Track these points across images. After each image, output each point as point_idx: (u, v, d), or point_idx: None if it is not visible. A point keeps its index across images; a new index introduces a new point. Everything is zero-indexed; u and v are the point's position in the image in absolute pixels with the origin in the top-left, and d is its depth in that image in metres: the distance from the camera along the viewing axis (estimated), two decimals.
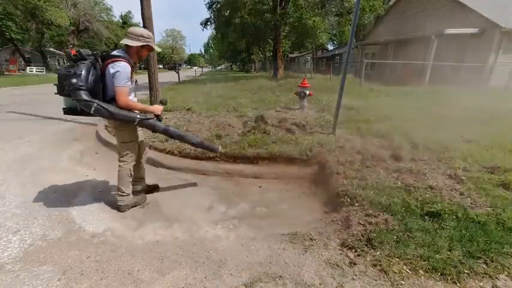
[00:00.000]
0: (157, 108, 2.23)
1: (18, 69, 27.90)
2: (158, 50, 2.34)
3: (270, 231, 2.12)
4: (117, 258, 1.79)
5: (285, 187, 2.94)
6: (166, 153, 3.65)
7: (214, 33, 24.04)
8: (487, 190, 2.34)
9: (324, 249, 1.84)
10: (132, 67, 2.04)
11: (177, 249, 1.88)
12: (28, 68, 28.74)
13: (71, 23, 27.85)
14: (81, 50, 1.94)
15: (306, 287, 1.53)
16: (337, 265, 1.66)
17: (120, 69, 1.93)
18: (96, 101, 1.89)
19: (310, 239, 1.96)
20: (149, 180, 3.09)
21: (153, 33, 5.18)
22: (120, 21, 44.61)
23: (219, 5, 16.34)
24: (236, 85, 10.92)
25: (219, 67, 71.41)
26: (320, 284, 1.53)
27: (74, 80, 1.82)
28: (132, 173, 2.35)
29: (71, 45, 30.17)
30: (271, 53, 19.40)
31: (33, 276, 1.62)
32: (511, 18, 10.03)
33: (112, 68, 1.92)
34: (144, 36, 2.06)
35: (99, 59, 1.97)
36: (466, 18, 10.93)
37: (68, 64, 1.96)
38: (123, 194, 2.33)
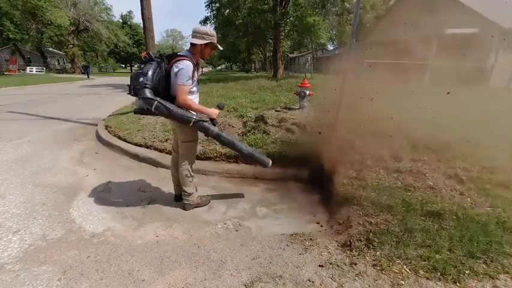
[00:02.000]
0: (213, 112, 2.21)
1: (18, 69, 27.90)
2: (221, 48, 2.29)
3: (270, 231, 2.12)
4: (117, 258, 1.79)
5: (285, 187, 2.93)
6: (167, 153, 3.65)
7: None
8: (487, 190, 2.34)
9: (324, 249, 1.84)
10: (195, 66, 2.05)
11: (177, 249, 1.88)
12: (28, 67, 28.76)
13: (70, 23, 27.83)
14: (150, 52, 2.06)
15: (305, 287, 1.53)
16: (337, 265, 1.66)
17: (183, 67, 1.95)
18: (158, 98, 1.92)
19: (310, 239, 1.96)
20: (151, 179, 3.09)
21: (153, 33, 5.19)
22: (120, 21, 44.60)
23: (218, 4, 16.32)
24: (236, 85, 10.91)
25: (219, 67, 71.41)
26: (320, 284, 1.53)
27: (141, 79, 1.91)
28: (192, 174, 2.34)
29: (71, 45, 30.19)
30: (271, 53, 19.39)
31: (33, 276, 1.62)
32: (511, 18, 10.04)
33: (176, 67, 1.96)
34: (208, 34, 2.07)
35: (165, 59, 2.05)
36: (466, 18, 10.94)
37: (140, 66, 2.06)
38: (185, 193, 2.36)
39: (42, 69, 29.94)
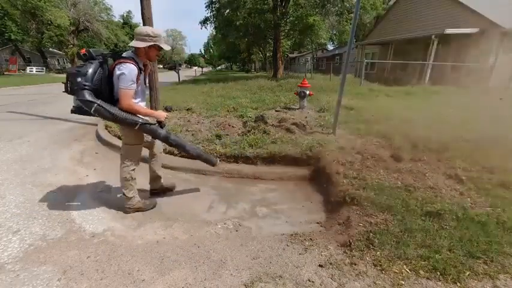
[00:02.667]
0: (161, 114, 2.16)
1: (18, 69, 27.90)
2: (167, 48, 2.17)
3: (270, 231, 2.12)
4: (117, 258, 1.79)
5: (285, 187, 2.94)
6: (167, 153, 3.64)
7: (214, 33, 24.04)
8: (487, 190, 2.34)
9: (324, 249, 1.84)
10: (140, 69, 2.00)
11: (177, 249, 1.88)
12: (28, 67, 28.76)
13: (70, 23, 27.82)
14: (91, 49, 1.95)
15: (305, 287, 1.53)
16: (337, 265, 1.66)
17: (125, 71, 1.88)
18: (98, 101, 1.87)
19: (310, 239, 1.96)
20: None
21: None
22: (121, 21, 44.56)
23: (218, 4, 16.30)
24: (236, 85, 10.91)
25: (219, 67, 71.41)
26: (320, 284, 1.53)
27: (79, 79, 1.82)
28: (133, 177, 2.27)
29: (71, 45, 30.17)
30: (271, 53, 19.39)
31: (33, 276, 1.62)
32: (511, 18, 10.03)
33: (118, 70, 1.90)
34: (150, 36, 1.98)
35: (109, 59, 1.97)
36: (466, 18, 10.93)
37: (80, 64, 1.95)
38: (125, 196, 2.29)
39: (42, 69, 29.93)
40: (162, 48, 2.11)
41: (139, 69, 2.00)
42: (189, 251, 1.87)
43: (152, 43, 2.00)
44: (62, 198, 2.58)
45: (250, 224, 2.22)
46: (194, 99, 7.34)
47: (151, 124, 2.10)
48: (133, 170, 2.26)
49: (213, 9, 16.79)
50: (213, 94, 8.43)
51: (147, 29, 2.01)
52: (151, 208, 2.44)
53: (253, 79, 13.68)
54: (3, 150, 3.90)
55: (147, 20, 5.07)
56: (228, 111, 5.57)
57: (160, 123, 2.18)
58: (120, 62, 1.91)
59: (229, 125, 4.38)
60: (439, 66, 11.83)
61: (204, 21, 17.86)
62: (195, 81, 17.21)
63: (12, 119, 5.98)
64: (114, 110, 1.92)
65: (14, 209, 2.35)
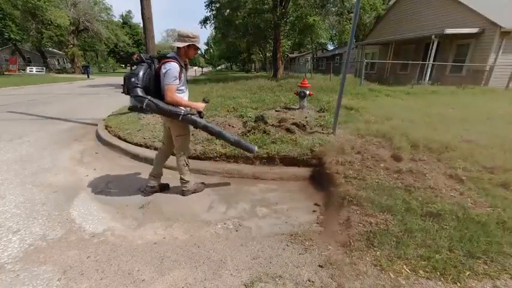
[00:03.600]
0: (200, 105, 2.41)
1: (18, 69, 27.91)
2: (203, 48, 2.44)
3: (270, 231, 2.12)
4: (117, 258, 1.79)
5: (285, 187, 2.93)
6: None
7: (214, 33, 24.03)
8: (487, 190, 2.34)
9: (324, 249, 1.84)
10: (181, 67, 2.24)
11: (177, 249, 1.88)
12: (28, 67, 28.77)
13: (70, 23, 27.83)
14: (141, 54, 2.26)
15: (305, 287, 1.53)
16: (337, 265, 1.66)
17: (170, 68, 2.13)
18: (149, 97, 2.12)
19: (310, 239, 1.96)
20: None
21: (153, 33, 5.19)
22: (120, 21, 44.59)
23: (218, 4, 16.31)
24: (236, 85, 10.91)
25: (219, 67, 71.39)
26: (320, 284, 1.53)
27: (133, 79, 2.11)
28: (188, 163, 2.61)
29: (71, 45, 30.20)
30: (271, 53, 19.39)
31: (33, 276, 1.62)
32: (511, 18, 10.03)
33: (163, 68, 2.14)
34: (189, 37, 2.22)
35: (155, 61, 2.23)
36: (466, 18, 10.93)
37: (133, 68, 2.24)
38: (184, 181, 2.63)
39: (42, 69, 29.95)
40: (199, 48, 2.34)
41: (181, 67, 2.24)
42: (189, 251, 1.87)
43: (191, 43, 2.24)
44: (62, 198, 2.58)
45: (250, 224, 2.22)
46: (194, 99, 7.32)
47: (192, 114, 2.33)
48: (187, 156, 2.62)
49: (213, 8, 16.80)
50: (213, 94, 8.43)
51: (187, 31, 2.24)
52: (202, 190, 2.80)
53: (253, 79, 13.69)
54: (3, 150, 3.90)
55: (147, 20, 5.08)
56: (228, 111, 5.57)
57: (200, 114, 2.42)
58: (165, 62, 2.16)
59: (229, 125, 4.38)
60: (439, 66, 11.83)
61: (204, 21, 17.87)
62: (195, 81, 17.21)
63: (12, 119, 5.98)
64: (160, 103, 2.15)
65: (14, 209, 2.35)
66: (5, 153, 3.81)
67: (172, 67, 2.14)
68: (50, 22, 25.39)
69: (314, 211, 2.44)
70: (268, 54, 28.74)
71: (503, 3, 11.28)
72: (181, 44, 2.22)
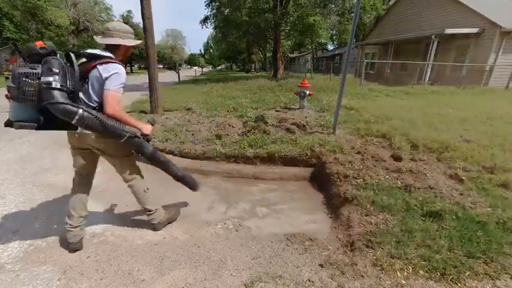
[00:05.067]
0: (147, 128, 1.84)
1: None
2: (135, 43, 1.89)
3: (270, 231, 2.12)
4: (117, 258, 1.79)
5: (285, 187, 2.93)
6: (166, 153, 3.64)
7: (214, 33, 24.03)
8: (487, 190, 2.34)
9: (324, 249, 1.84)
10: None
11: (177, 249, 1.88)
12: None
13: (70, 23, 27.84)
14: (47, 42, 1.53)
15: (305, 287, 1.53)
16: (337, 265, 1.66)
17: (118, 71, 1.63)
18: (82, 106, 1.52)
19: (310, 239, 1.96)
20: (150, 180, 3.09)
21: (152, 33, 5.19)
22: (120, 20, 44.59)
23: (218, 3, 16.31)
24: (236, 85, 10.91)
25: (219, 67, 71.41)
26: (320, 284, 1.53)
27: (50, 79, 1.41)
28: (148, 188, 2.01)
29: (71, 45, 30.19)
30: (272, 53, 19.40)
31: (33, 276, 1.62)
32: (511, 18, 10.03)
33: (105, 71, 1.60)
34: (132, 33, 1.80)
35: (73, 57, 1.59)
36: (466, 18, 10.93)
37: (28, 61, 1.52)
38: (151, 211, 2.03)
39: None
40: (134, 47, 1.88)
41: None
42: (189, 251, 1.87)
43: (139, 42, 1.82)
44: (62, 198, 2.58)
45: (250, 224, 2.22)
46: (194, 99, 7.34)
47: (138, 137, 1.78)
48: (143, 180, 2.01)
49: (213, 7, 16.79)
50: (213, 94, 8.43)
51: (128, 26, 1.82)
52: (178, 216, 2.25)
53: (253, 79, 13.68)
54: (3, 150, 3.90)
55: (147, 20, 5.08)
56: (228, 111, 5.57)
57: (146, 137, 1.85)
58: (107, 62, 1.63)
59: (229, 125, 4.38)
60: (439, 66, 11.83)
61: (204, 20, 17.86)
62: (195, 81, 17.22)
63: None
64: (102, 116, 1.57)
65: (14, 209, 2.35)
66: (5, 153, 3.81)
67: (120, 71, 1.64)
68: (50, 22, 25.40)
69: (314, 211, 2.44)
70: (268, 54, 28.73)
71: (503, 3, 11.28)
72: (128, 42, 1.78)
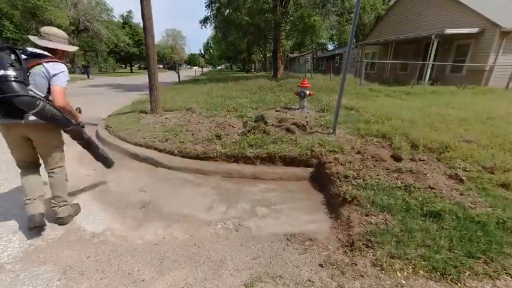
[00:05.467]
0: (81, 116, 2.15)
1: None
2: (73, 49, 2.20)
3: (270, 231, 2.12)
4: (117, 258, 1.79)
5: (285, 187, 2.93)
6: (166, 153, 3.65)
7: (214, 33, 24.04)
8: (487, 190, 2.34)
9: (324, 249, 1.84)
10: None
11: (177, 249, 1.88)
12: None
13: (70, 23, 27.84)
14: None
15: (305, 287, 1.53)
16: (337, 265, 1.66)
17: (64, 70, 1.87)
18: (42, 98, 1.72)
19: (310, 239, 1.96)
20: (151, 179, 3.10)
21: (152, 33, 5.19)
22: (121, 21, 44.61)
23: (218, 4, 16.31)
24: (236, 85, 10.91)
25: (219, 67, 71.43)
26: (320, 284, 1.53)
27: (9, 72, 1.58)
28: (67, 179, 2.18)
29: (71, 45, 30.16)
30: (272, 53, 19.40)
31: (33, 276, 1.62)
32: (511, 18, 10.03)
33: (52, 69, 1.81)
34: (67, 39, 2.03)
35: (20, 53, 1.75)
36: (466, 18, 10.93)
37: None
38: (65, 202, 2.11)
39: None
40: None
41: None
42: (189, 251, 1.87)
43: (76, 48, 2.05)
44: None
45: (250, 224, 2.22)
46: (194, 99, 7.34)
47: (82, 125, 2.13)
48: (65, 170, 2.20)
49: (213, 8, 16.79)
50: (213, 94, 8.43)
51: (63, 32, 2.02)
52: (79, 211, 2.33)
53: (253, 79, 13.68)
54: (3, 150, 3.90)
55: (147, 20, 5.08)
56: (228, 111, 5.57)
57: (82, 124, 2.17)
58: (53, 61, 1.85)
59: (229, 125, 4.38)
60: (439, 66, 11.83)
61: (204, 21, 17.86)
62: (195, 81, 17.22)
63: None
64: (52, 107, 1.80)
65: (14, 209, 2.35)
66: (5, 153, 3.79)
67: (65, 69, 1.87)
68: (49, 22, 25.39)
69: (314, 211, 2.44)
70: (268, 54, 28.74)
71: (503, 3, 11.28)
72: (68, 48, 2.02)
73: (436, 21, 12.39)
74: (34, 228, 1.94)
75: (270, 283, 1.56)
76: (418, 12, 13.68)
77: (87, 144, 2.35)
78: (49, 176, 2.10)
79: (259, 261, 1.75)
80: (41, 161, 2.12)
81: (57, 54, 1.96)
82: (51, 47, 1.92)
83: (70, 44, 2.09)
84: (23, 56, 1.78)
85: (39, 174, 2.11)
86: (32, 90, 1.74)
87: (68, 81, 1.90)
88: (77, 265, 1.72)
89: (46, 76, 1.81)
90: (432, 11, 12.73)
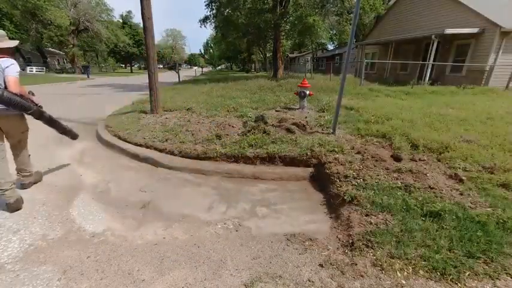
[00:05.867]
0: (37, 99, 2.56)
1: None
2: (13, 44, 2.48)
3: (270, 231, 2.12)
4: (117, 258, 1.79)
5: (285, 187, 2.93)
6: (166, 153, 3.65)
7: (214, 32, 24.02)
8: (487, 190, 2.34)
9: (324, 249, 1.84)
10: None
11: (177, 249, 1.88)
12: (28, 67, 28.75)
13: (70, 23, 27.85)
14: None
15: (305, 287, 1.53)
16: (337, 265, 1.66)
17: (12, 62, 2.25)
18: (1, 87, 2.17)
19: (310, 239, 1.96)
20: (151, 179, 3.10)
21: (152, 33, 5.19)
22: (120, 21, 44.62)
23: (218, 3, 16.30)
24: (236, 85, 10.91)
25: (219, 67, 71.41)
26: (320, 284, 1.53)
27: None
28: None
29: (71, 45, 30.22)
30: (272, 53, 19.40)
31: (33, 276, 1.62)
32: (511, 18, 10.03)
33: (4, 63, 2.21)
34: (4, 36, 2.36)
35: None
36: (466, 18, 10.93)
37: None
38: (29, 173, 2.75)
39: (42, 69, 29.95)
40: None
41: None
42: (189, 251, 1.87)
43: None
44: (62, 198, 2.58)
45: (250, 224, 2.22)
46: (194, 99, 7.34)
47: (37, 106, 2.50)
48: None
49: (213, 8, 16.78)
50: (213, 94, 8.43)
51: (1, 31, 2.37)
52: (40, 180, 2.96)
53: (253, 79, 13.68)
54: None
55: (147, 20, 5.08)
56: (228, 111, 5.57)
57: (39, 105, 2.56)
58: (3, 57, 2.25)
59: (229, 125, 4.38)
60: (439, 66, 11.83)
61: (204, 20, 17.85)
62: (195, 81, 17.22)
63: None
64: (13, 95, 2.20)
65: None
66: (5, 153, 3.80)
67: (14, 61, 2.27)
68: (49, 22, 25.40)
69: (314, 211, 2.44)
70: (268, 54, 28.73)
71: (503, 3, 11.28)
72: (13, 44, 2.43)
73: (436, 21, 12.39)
74: (14, 211, 2.32)
75: (270, 283, 1.56)
76: (418, 12, 13.68)
77: (51, 122, 2.73)
78: (14, 155, 2.64)
79: (259, 261, 1.75)
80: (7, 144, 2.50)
81: (6, 51, 2.33)
82: (10, 46, 2.36)
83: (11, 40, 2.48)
84: None
85: (5, 163, 2.41)
86: None
87: (18, 71, 2.30)
88: (77, 265, 1.72)
89: (4, 68, 2.21)
90: (432, 11, 12.73)
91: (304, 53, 35.64)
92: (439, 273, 1.53)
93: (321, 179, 2.95)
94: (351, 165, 2.88)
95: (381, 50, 16.68)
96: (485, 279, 1.48)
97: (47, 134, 4.86)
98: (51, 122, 2.73)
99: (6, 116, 2.33)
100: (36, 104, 2.50)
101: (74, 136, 3.14)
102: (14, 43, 2.47)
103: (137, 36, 42.43)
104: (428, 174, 2.63)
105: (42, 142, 4.36)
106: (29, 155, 2.74)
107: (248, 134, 3.94)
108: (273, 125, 4.36)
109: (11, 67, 2.23)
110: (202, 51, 75.74)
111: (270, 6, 14.93)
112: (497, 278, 1.48)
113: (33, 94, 2.57)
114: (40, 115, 2.54)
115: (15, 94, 2.21)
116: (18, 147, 2.61)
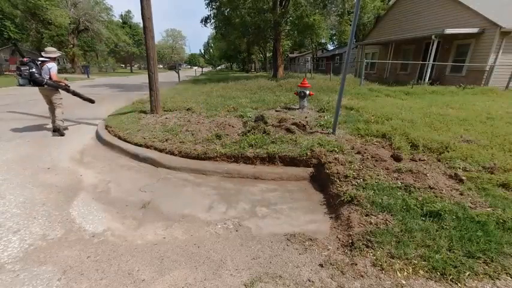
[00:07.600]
0: (65, 81, 4.85)
1: None
2: (57, 54, 4.85)
3: (270, 231, 2.12)
4: (117, 258, 1.79)
5: (285, 187, 2.93)
6: (166, 153, 3.65)
7: (214, 33, 24.04)
8: (487, 190, 2.34)
9: (324, 249, 1.84)
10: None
11: (177, 249, 1.88)
12: None
13: (70, 23, 27.84)
14: (23, 59, 4.38)
15: (305, 287, 1.53)
16: (337, 265, 1.66)
17: (54, 65, 4.61)
18: (46, 77, 4.46)
19: (310, 239, 1.96)
20: (151, 179, 3.10)
21: (153, 33, 5.20)
22: (120, 21, 44.63)
23: (218, 3, 16.30)
24: (236, 85, 10.91)
25: (219, 67, 71.39)
26: (320, 284, 1.53)
27: (33, 70, 4.31)
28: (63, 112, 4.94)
29: (71, 45, 30.22)
30: (272, 53, 19.40)
31: (33, 276, 1.62)
32: (511, 18, 10.02)
33: (50, 64, 4.53)
34: (55, 51, 4.77)
35: (37, 62, 4.46)
36: (466, 18, 10.93)
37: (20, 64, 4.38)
38: (62, 121, 4.84)
39: None
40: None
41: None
42: (189, 251, 1.87)
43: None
44: (62, 198, 2.58)
45: (250, 224, 2.22)
46: (194, 99, 7.34)
47: (66, 86, 4.78)
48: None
49: (213, 7, 16.79)
50: (213, 94, 8.43)
51: (52, 48, 4.82)
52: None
53: (253, 79, 13.68)
54: (3, 150, 3.90)
55: (147, 20, 5.08)
56: (228, 111, 5.57)
57: (68, 85, 4.83)
58: (50, 62, 4.54)
59: (229, 125, 4.38)
60: (439, 66, 11.83)
61: (205, 20, 17.87)
62: (195, 81, 17.22)
63: (13, 119, 5.98)
64: (51, 81, 4.50)
65: (14, 209, 2.35)
66: (5, 153, 3.80)
67: (55, 65, 4.61)
68: (49, 22, 25.39)
69: (314, 211, 2.44)
70: (268, 54, 28.74)
71: (503, 3, 11.27)
72: (55, 55, 4.70)
73: (436, 21, 12.39)
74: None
75: (270, 283, 1.56)
76: (418, 12, 13.68)
77: (75, 94, 5.08)
78: (51, 108, 4.83)
79: (259, 261, 1.75)
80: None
81: (53, 59, 4.65)
82: (50, 56, 4.64)
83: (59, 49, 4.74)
84: (38, 62, 4.46)
85: (53, 111, 4.76)
86: (41, 75, 4.44)
87: (56, 69, 4.65)
88: (77, 265, 1.72)
89: (48, 69, 4.49)
90: (432, 11, 12.72)
91: (304, 53, 35.65)
92: (439, 273, 1.53)
93: (321, 179, 2.95)
94: (351, 165, 2.88)
95: (381, 50, 16.69)
96: (485, 279, 1.48)
97: (47, 134, 4.86)
98: (75, 94, 5.06)
99: (50, 90, 4.58)
100: (66, 85, 4.76)
101: (91, 101, 5.45)
102: (58, 54, 4.77)
103: (137, 36, 42.47)
104: (428, 174, 2.63)
105: (43, 142, 4.36)
106: (63, 112, 4.82)
107: (248, 134, 3.94)
108: (273, 125, 4.36)
109: (53, 68, 4.53)
110: (202, 51, 75.71)
111: (270, 6, 14.93)
112: (497, 278, 1.48)
113: (66, 79, 4.98)
114: (67, 90, 4.81)
115: (54, 81, 4.50)
116: (58, 106, 4.71)
